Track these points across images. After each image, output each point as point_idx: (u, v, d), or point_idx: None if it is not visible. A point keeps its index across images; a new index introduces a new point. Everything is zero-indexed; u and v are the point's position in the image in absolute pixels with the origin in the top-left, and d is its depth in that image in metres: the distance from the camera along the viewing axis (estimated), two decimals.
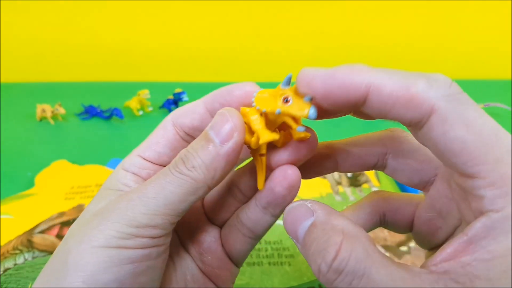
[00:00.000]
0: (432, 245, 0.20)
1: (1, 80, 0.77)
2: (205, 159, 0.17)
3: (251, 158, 0.21)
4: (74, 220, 0.39)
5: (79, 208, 0.40)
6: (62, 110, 0.62)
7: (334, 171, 0.21)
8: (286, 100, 0.17)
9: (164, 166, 0.18)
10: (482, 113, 0.14)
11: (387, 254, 0.34)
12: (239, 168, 0.22)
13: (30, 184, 0.45)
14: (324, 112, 0.17)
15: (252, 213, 0.20)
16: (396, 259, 0.34)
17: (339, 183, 0.44)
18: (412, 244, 0.35)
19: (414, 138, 0.18)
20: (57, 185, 0.44)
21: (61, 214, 0.39)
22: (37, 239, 0.36)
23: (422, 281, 0.14)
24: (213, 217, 0.22)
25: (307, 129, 0.18)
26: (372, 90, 0.15)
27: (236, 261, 0.22)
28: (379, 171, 0.46)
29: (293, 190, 0.19)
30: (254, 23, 0.77)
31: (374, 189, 0.43)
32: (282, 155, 0.19)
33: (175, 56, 0.80)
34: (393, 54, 0.80)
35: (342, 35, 0.78)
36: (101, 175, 0.46)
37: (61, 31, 0.76)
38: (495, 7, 0.74)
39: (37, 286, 0.17)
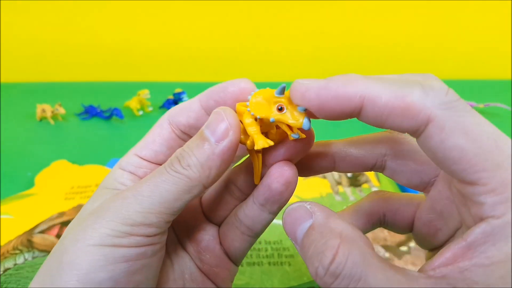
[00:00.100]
0: (432, 246, 0.20)
1: (1, 80, 0.77)
2: (200, 158, 0.17)
3: (248, 156, 0.21)
4: None
5: (79, 208, 0.40)
6: (62, 110, 0.62)
7: (331, 171, 0.21)
8: (280, 108, 0.17)
9: (161, 165, 0.18)
10: (480, 119, 0.14)
11: (387, 254, 0.34)
12: (236, 166, 0.22)
13: (30, 184, 0.45)
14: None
15: (250, 211, 0.20)
16: (396, 259, 0.34)
17: (339, 183, 0.44)
18: (412, 244, 0.35)
19: (414, 139, 0.18)
20: (57, 185, 0.44)
21: (61, 214, 0.39)
22: (37, 239, 0.36)
23: (419, 286, 0.14)
24: (211, 216, 0.22)
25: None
26: (367, 101, 0.15)
27: (235, 260, 0.22)
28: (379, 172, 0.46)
29: (290, 186, 0.19)
30: (254, 23, 0.77)
31: (374, 189, 0.43)
32: (278, 152, 0.19)
33: (175, 56, 0.80)
34: (393, 54, 0.80)
35: (342, 35, 0.78)
36: (101, 175, 0.46)
37: (61, 31, 0.76)
38: (495, 7, 0.74)
39: (34, 286, 0.17)
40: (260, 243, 0.36)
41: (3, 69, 0.77)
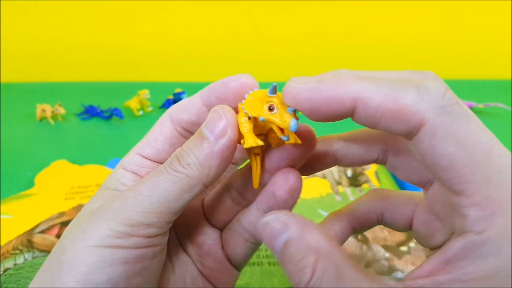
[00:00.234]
0: (431, 245, 0.19)
1: (1, 80, 0.77)
2: (199, 156, 0.17)
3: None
4: None
5: (79, 208, 0.40)
6: (62, 110, 0.62)
7: (333, 166, 0.21)
8: (271, 108, 0.17)
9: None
10: (476, 127, 0.14)
11: (387, 254, 0.34)
12: (237, 170, 0.21)
13: (30, 184, 0.45)
14: None
15: (253, 218, 0.20)
16: (396, 259, 0.34)
17: (339, 183, 0.44)
18: (412, 244, 0.35)
19: None
20: (57, 185, 0.44)
21: (61, 214, 0.39)
22: (37, 239, 0.36)
23: None
24: (213, 220, 0.22)
25: (306, 129, 0.18)
26: (359, 103, 0.14)
27: (237, 265, 0.22)
28: (379, 171, 0.46)
29: (295, 194, 0.18)
30: (254, 23, 0.77)
31: None
32: (279, 156, 0.19)
33: (175, 56, 0.80)
34: (393, 54, 0.80)
35: (342, 35, 0.78)
36: (101, 175, 0.46)
37: (61, 31, 0.76)
38: (495, 7, 0.74)
39: (34, 286, 0.17)
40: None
41: (3, 69, 0.77)
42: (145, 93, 0.63)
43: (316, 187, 0.43)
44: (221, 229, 0.22)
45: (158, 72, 0.81)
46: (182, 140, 0.20)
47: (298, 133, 0.18)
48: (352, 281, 0.14)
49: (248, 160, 0.21)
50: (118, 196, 0.17)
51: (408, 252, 0.35)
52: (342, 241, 0.22)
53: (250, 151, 0.19)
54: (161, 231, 0.17)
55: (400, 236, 0.36)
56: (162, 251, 0.18)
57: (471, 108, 0.63)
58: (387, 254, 0.34)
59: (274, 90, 0.17)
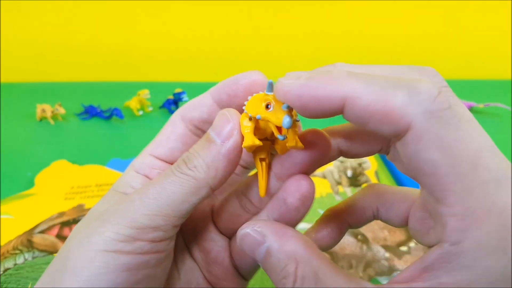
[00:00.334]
0: (427, 243, 0.19)
1: (1, 80, 0.77)
2: (206, 158, 0.17)
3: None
4: (74, 220, 0.39)
5: (79, 208, 0.40)
6: (62, 110, 0.62)
7: (338, 158, 0.20)
8: (268, 106, 0.17)
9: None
10: (466, 135, 0.13)
11: (387, 254, 0.34)
12: (248, 177, 0.21)
13: (30, 184, 0.45)
14: None
15: None
16: (396, 259, 0.34)
17: (339, 183, 0.44)
18: (412, 244, 0.35)
19: None
20: (57, 185, 0.44)
21: (61, 214, 0.39)
22: (37, 239, 0.36)
23: None
24: (221, 227, 0.21)
25: (314, 134, 0.18)
26: (347, 103, 0.14)
27: (245, 274, 0.21)
28: (379, 171, 0.46)
29: (307, 202, 0.18)
30: (254, 23, 0.77)
31: None
32: (291, 162, 0.18)
33: (175, 56, 0.80)
34: (393, 54, 0.80)
35: (342, 35, 0.78)
36: (101, 175, 0.46)
37: (61, 31, 0.76)
38: (495, 7, 0.74)
39: (38, 286, 0.17)
40: None
41: (3, 69, 0.77)
42: (145, 93, 0.63)
43: (316, 187, 0.43)
44: (229, 236, 0.21)
45: (158, 72, 0.81)
46: (194, 138, 0.20)
47: (310, 138, 0.18)
48: (330, 284, 0.15)
49: None
50: (125, 199, 0.17)
51: (408, 252, 0.35)
52: (339, 237, 0.22)
53: (255, 156, 0.19)
54: (167, 235, 0.17)
55: (400, 236, 0.36)
56: (167, 259, 0.18)
57: (471, 108, 0.63)
58: (387, 254, 0.34)
59: (270, 88, 0.17)
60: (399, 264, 0.33)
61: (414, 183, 0.20)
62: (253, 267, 0.21)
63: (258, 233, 0.16)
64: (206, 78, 0.79)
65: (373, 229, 0.37)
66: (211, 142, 0.17)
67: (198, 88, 0.20)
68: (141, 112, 0.64)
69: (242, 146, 0.17)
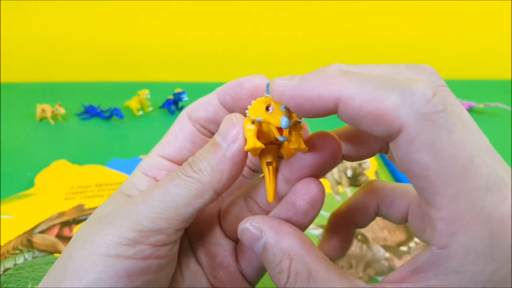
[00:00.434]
0: (427, 241, 0.19)
1: (1, 80, 0.77)
2: (211, 162, 0.17)
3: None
4: (74, 220, 0.39)
5: (79, 208, 0.40)
6: (62, 110, 0.62)
7: (340, 162, 0.20)
8: (268, 108, 0.17)
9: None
10: (460, 139, 0.13)
11: (387, 254, 0.34)
12: (255, 180, 0.21)
13: (30, 184, 0.45)
14: None
15: None
16: (396, 259, 0.34)
17: (339, 183, 0.44)
18: (412, 244, 0.35)
19: None
20: (57, 185, 0.44)
21: (61, 214, 0.39)
22: (37, 239, 0.36)
23: None
24: (228, 230, 0.21)
25: (322, 136, 0.18)
26: (340, 104, 0.14)
27: (251, 280, 0.21)
28: (379, 171, 0.46)
29: (316, 205, 0.18)
30: (254, 23, 0.77)
31: None
32: (300, 165, 0.18)
33: (175, 56, 0.80)
34: (393, 54, 0.80)
35: (342, 35, 0.78)
36: (101, 175, 0.46)
37: (61, 31, 0.76)
38: (495, 7, 0.74)
39: (40, 287, 0.17)
40: None
41: (3, 69, 0.77)
42: (145, 93, 0.63)
43: None
44: (236, 240, 0.21)
45: (158, 72, 0.81)
46: (201, 137, 0.20)
47: (318, 140, 0.17)
48: (322, 281, 0.15)
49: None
50: (129, 201, 0.17)
51: (408, 252, 0.35)
52: (351, 240, 0.22)
53: (261, 159, 0.19)
54: (169, 239, 0.17)
55: (400, 236, 0.36)
56: (169, 265, 0.18)
57: (471, 108, 0.63)
58: (387, 254, 0.34)
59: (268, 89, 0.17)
60: (399, 264, 0.33)
61: None
62: (259, 272, 0.21)
63: (256, 228, 0.17)
64: (206, 78, 0.79)
65: (373, 229, 0.37)
66: (217, 146, 0.17)
67: (198, 88, 0.21)
68: (141, 112, 0.64)
69: (245, 149, 0.17)
